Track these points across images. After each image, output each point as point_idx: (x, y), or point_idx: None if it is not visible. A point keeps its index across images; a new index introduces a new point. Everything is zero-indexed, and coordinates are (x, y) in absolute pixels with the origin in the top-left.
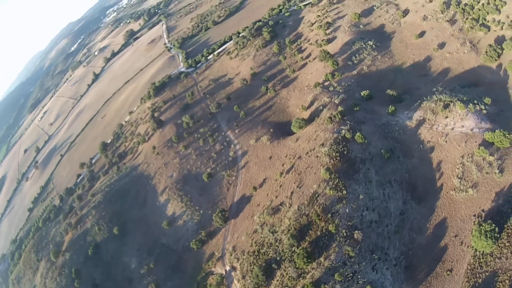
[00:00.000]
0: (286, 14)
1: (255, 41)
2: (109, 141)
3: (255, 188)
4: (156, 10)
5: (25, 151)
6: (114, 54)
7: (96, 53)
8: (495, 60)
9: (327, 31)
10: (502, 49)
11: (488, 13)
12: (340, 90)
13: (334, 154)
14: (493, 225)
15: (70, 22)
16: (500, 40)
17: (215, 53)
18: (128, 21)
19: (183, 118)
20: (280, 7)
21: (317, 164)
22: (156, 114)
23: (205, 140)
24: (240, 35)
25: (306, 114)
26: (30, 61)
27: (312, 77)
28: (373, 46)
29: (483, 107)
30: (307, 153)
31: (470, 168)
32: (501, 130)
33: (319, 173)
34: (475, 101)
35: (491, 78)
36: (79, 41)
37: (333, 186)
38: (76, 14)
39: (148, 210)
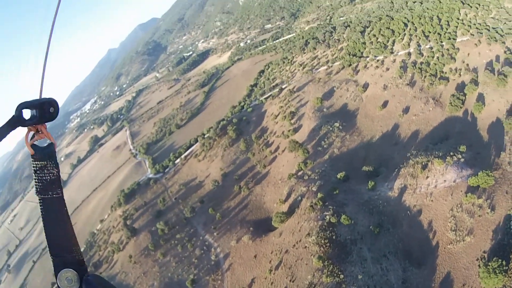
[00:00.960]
0: (249, 110)
1: (221, 140)
2: (82, 249)
3: None
4: (119, 116)
5: None
6: (80, 161)
7: (62, 158)
8: (460, 107)
9: (292, 121)
10: (465, 94)
11: (444, 65)
12: (316, 177)
13: (323, 241)
14: (499, 260)
15: None
16: (461, 87)
17: (182, 156)
18: (91, 126)
19: (157, 225)
20: (241, 104)
21: (307, 255)
22: (128, 222)
23: (183, 246)
24: (206, 136)
25: (285, 207)
26: None
27: (285, 169)
28: (340, 127)
29: (460, 156)
30: (294, 245)
31: (462, 217)
32: (483, 171)
33: (311, 263)
34: (451, 153)
35: (461, 126)
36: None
37: (329, 273)
38: None
39: None
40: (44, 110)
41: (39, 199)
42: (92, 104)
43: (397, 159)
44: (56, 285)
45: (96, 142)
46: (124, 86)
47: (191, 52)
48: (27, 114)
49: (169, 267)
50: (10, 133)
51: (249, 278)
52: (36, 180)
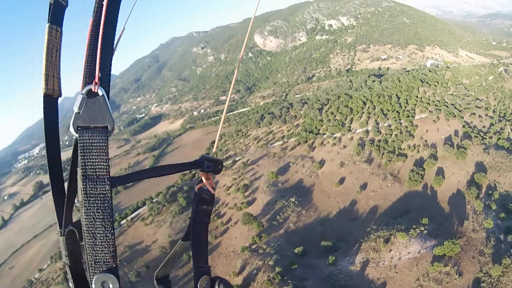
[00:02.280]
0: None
1: (170, 207)
2: None
3: None
4: (66, 166)
5: None
6: (23, 204)
7: (5, 197)
8: (420, 182)
9: (246, 193)
10: (424, 169)
11: (402, 142)
12: (271, 251)
13: None
14: None
15: None
16: (419, 163)
17: (128, 218)
18: (38, 171)
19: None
20: (193, 172)
21: None
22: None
23: None
24: (154, 200)
25: (238, 280)
26: None
27: (237, 241)
28: (296, 202)
29: (422, 228)
30: None
31: (430, 286)
32: (449, 240)
33: None
34: (414, 226)
35: (421, 200)
36: None
37: None
38: None
39: None
40: (217, 165)
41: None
42: (41, 148)
43: (356, 234)
44: None
45: (41, 188)
46: (74, 137)
47: (143, 115)
48: (207, 164)
49: None
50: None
51: None
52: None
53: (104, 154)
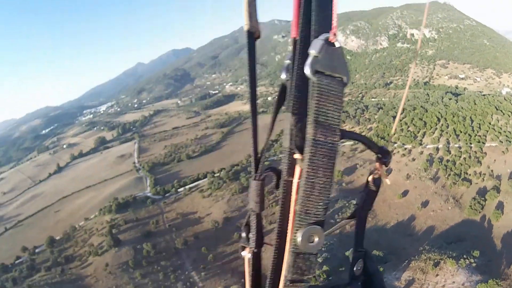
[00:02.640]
0: (266, 163)
1: (231, 184)
2: (58, 237)
3: None
4: (131, 127)
5: None
6: (81, 155)
7: (64, 146)
8: (479, 212)
9: None
10: (485, 200)
11: (469, 167)
12: (323, 249)
13: None
14: None
15: (48, 106)
16: (482, 192)
17: (187, 187)
18: (102, 127)
19: (144, 245)
20: (258, 156)
21: None
22: (114, 231)
23: (166, 275)
24: (216, 175)
25: None
26: (1, 124)
27: None
28: (356, 205)
29: (472, 260)
30: None
31: None
32: (493, 279)
33: None
34: (464, 256)
35: (477, 230)
36: (51, 127)
37: None
38: (56, 100)
39: None
40: (387, 157)
41: None
42: (108, 107)
43: (408, 251)
44: None
45: (102, 144)
46: (144, 101)
47: (217, 92)
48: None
49: None
50: None
51: None
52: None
53: (339, 104)
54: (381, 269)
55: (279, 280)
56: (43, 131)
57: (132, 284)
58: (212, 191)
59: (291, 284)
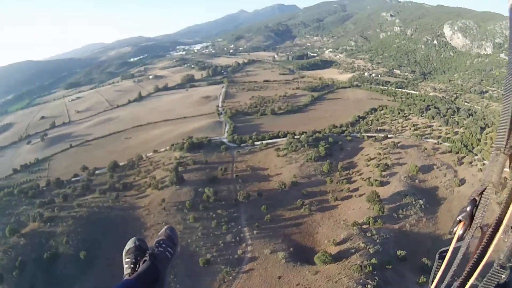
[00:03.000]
0: (348, 138)
1: (308, 150)
2: (121, 164)
3: None
4: (222, 71)
5: (42, 117)
6: (166, 88)
7: (150, 77)
8: None
9: (383, 173)
10: None
11: None
12: (377, 240)
13: None
14: None
15: (141, 36)
16: None
17: (264, 142)
18: (192, 65)
19: (206, 189)
20: (343, 128)
21: None
22: (180, 169)
23: (219, 224)
24: (296, 137)
25: (334, 250)
26: (90, 46)
27: (353, 214)
28: (422, 206)
29: None
30: None
31: None
32: None
33: None
34: None
35: None
36: (140, 57)
37: None
38: (150, 33)
39: None
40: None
41: None
42: (203, 47)
43: (456, 269)
44: None
45: (189, 82)
46: (240, 48)
47: (315, 55)
48: None
49: (193, 234)
50: None
51: None
52: None
53: None
54: (424, 279)
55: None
56: (131, 59)
57: (182, 225)
58: (287, 152)
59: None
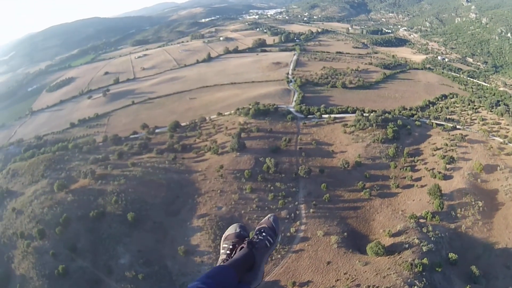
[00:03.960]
0: (417, 123)
1: (376, 130)
2: (183, 124)
3: (294, 284)
4: (295, 38)
5: (106, 73)
6: (236, 51)
7: (221, 38)
8: None
9: (447, 166)
10: None
11: None
12: (432, 238)
13: None
14: None
15: None
16: None
17: (332, 116)
18: (265, 30)
19: (267, 159)
20: (412, 112)
21: None
22: (243, 135)
23: (276, 197)
24: (365, 114)
25: (387, 241)
26: (161, 5)
27: (412, 205)
28: (481, 209)
29: None
30: (369, 287)
31: None
32: None
33: None
34: None
35: None
36: (212, 18)
37: None
38: None
39: (175, 222)
40: None
41: None
42: (277, 12)
43: (500, 283)
44: None
45: (261, 46)
46: (314, 17)
47: (390, 31)
48: None
49: (248, 205)
50: None
51: (307, 277)
52: None
53: None
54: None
55: None
56: (203, 20)
57: (238, 195)
58: (355, 130)
59: None
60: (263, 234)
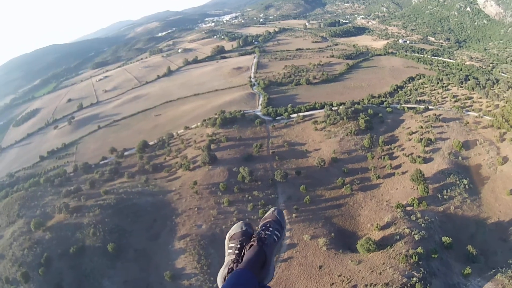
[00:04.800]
0: (388, 109)
1: (347, 123)
2: (151, 143)
3: None
4: (253, 41)
5: (69, 100)
6: (195, 61)
7: (179, 50)
8: None
9: (426, 148)
10: None
11: None
12: (423, 225)
13: None
14: None
15: (168, 10)
16: None
17: (301, 114)
18: (222, 37)
19: (240, 169)
20: (382, 99)
21: None
22: (213, 147)
23: (255, 207)
24: (334, 108)
25: (377, 235)
26: (116, 24)
27: (397, 193)
28: (466, 186)
29: None
30: (366, 286)
31: None
32: None
33: None
34: None
35: None
36: (168, 31)
37: None
38: (177, 7)
39: (156, 247)
40: None
41: None
42: (232, 18)
43: (498, 257)
44: None
45: (220, 53)
46: (270, 17)
47: (347, 21)
48: None
49: (228, 219)
50: None
51: (300, 285)
52: None
53: None
54: (469, 271)
55: None
56: (159, 34)
57: (216, 210)
58: (326, 125)
59: None
60: (270, 228)
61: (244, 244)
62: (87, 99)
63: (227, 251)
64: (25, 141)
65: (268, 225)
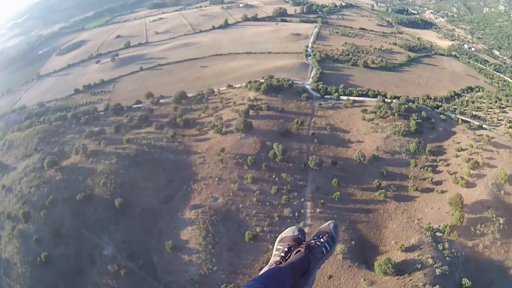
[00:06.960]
0: (442, 116)
1: (398, 121)
2: (190, 95)
3: None
4: (317, 10)
5: (117, 36)
6: (254, 19)
7: (240, 5)
8: None
9: (471, 171)
10: None
11: None
12: (447, 258)
13: None
14: None
15: None
16: None
17: (351, 98)
18: (286, 0)
19: (274, 145)
20: (437, 103)
21: None
22: (251, 113)
23: (279, 191)
24: (387, 101)
25: (399, 257)
26: None
27: (430, 214)
28: (501, 226)
29: None
30: None
31: None
32: None
33: None
34: None
35: None
36: None
37: None
38: None
39: (165, 211)
40: None
41: None
42: None
43: None
44: None
45: (281, 15)
46: None
47: (416, 12)
48: None
49: (247, 198)
50: None
51: None
52: None
53: None
54: None
55: None
56: None
57: (237, 184)
58: (375, 117)
59: None
60: (321, 240)
61: (292, 248)
62: (136, 38)
63: (274, 252)
64: (64, 71)
65: (321, 236)
